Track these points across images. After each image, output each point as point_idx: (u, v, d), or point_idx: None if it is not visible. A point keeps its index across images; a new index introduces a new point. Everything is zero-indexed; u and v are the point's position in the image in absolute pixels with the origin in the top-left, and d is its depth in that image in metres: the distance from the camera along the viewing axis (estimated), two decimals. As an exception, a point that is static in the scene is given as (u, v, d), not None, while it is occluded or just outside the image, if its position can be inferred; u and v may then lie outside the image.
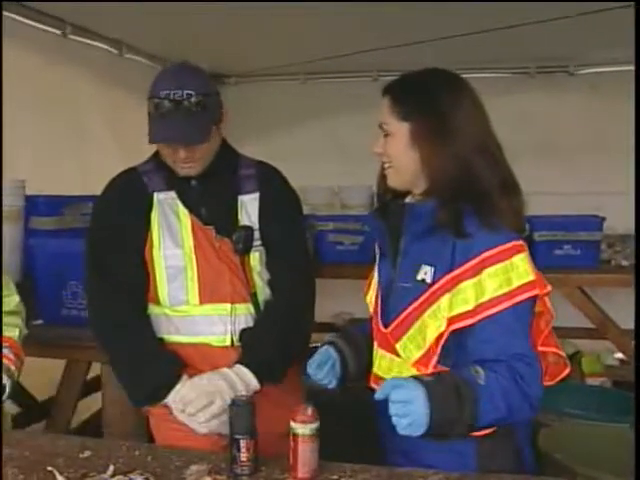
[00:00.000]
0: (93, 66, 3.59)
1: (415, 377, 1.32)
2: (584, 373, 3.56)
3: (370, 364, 1.62)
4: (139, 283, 1.81)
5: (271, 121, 4.63)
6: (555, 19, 3.04)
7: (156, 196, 1.83)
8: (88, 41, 3.50)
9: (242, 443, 1.37)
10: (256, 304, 1.82)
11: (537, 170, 3.71)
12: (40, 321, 2.47)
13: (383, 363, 1.57)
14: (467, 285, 1.39)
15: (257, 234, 1.83)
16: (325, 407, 1.42)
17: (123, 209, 1.84)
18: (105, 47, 3.67)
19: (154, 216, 1.82)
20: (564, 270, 3.16)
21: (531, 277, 1.41)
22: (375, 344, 1.61)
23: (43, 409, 2.87)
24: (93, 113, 3.65)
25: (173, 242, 1.80)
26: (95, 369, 2.53)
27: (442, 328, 1.41)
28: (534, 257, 1.46)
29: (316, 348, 1.66)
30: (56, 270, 2.51)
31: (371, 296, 1.68)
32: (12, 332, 1.84)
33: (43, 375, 2.70)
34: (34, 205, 2.74)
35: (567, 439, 2.01)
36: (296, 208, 1.97)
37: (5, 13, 2.82)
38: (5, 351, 1.75)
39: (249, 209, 1.86)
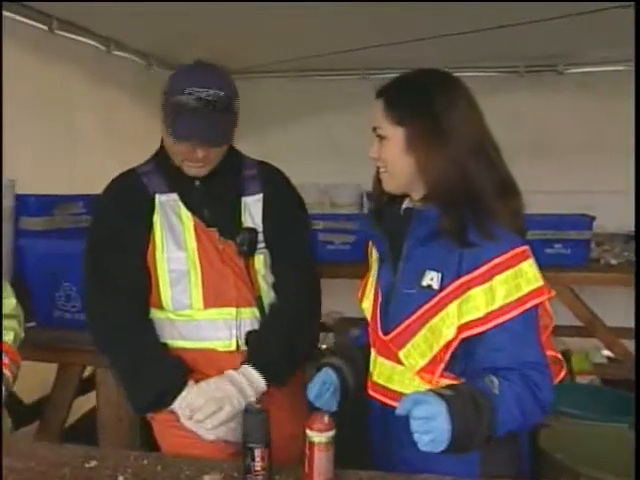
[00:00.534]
0: (83, 64, 3.52)
1: (435, 392, 1.28)
2: (574, 371, 3.59)
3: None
4: (140, 286, 1.77)
5: (265, 118, 4.58)
6: (548, 19, 3.04)
7: (157, 198, 1.79)
8: (75, 37, 3.43)
9: (257, 452, 1.34)
10: (261, 308, 1.79)
11: (529, 169, 3.72)
12: (33, 323, 2.41)
13: (384, 371, 1.54)
14: (477, 292, 1.38)
15: (261, 236, 1.80)
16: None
17: (122, 211, 1.79)
18: (94, 44, 3.60)
19: (156, 218, 1.77)
20: (555, 269, 3.18)
21: (540, 283, 1.40)
22: (373, 351, 1.57)
23: (32, 412, 2.82)
24: (84, 112, 3.58)
25: (176, 244, 1.76)
26: (89, 368, 2.50)
27: (451, 336, 1.39)
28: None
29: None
30: (47, 271, 2.47)
31: (367, 303, 1.62)
32: (7, 336, 1.79)
33: (34, 377, 2.63)
34: (24, 205, 2.68)
35: (567, 439, 2.01)
36: (300, 209, 1.95)
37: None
38: None
39: (252, 211, 1.83)
